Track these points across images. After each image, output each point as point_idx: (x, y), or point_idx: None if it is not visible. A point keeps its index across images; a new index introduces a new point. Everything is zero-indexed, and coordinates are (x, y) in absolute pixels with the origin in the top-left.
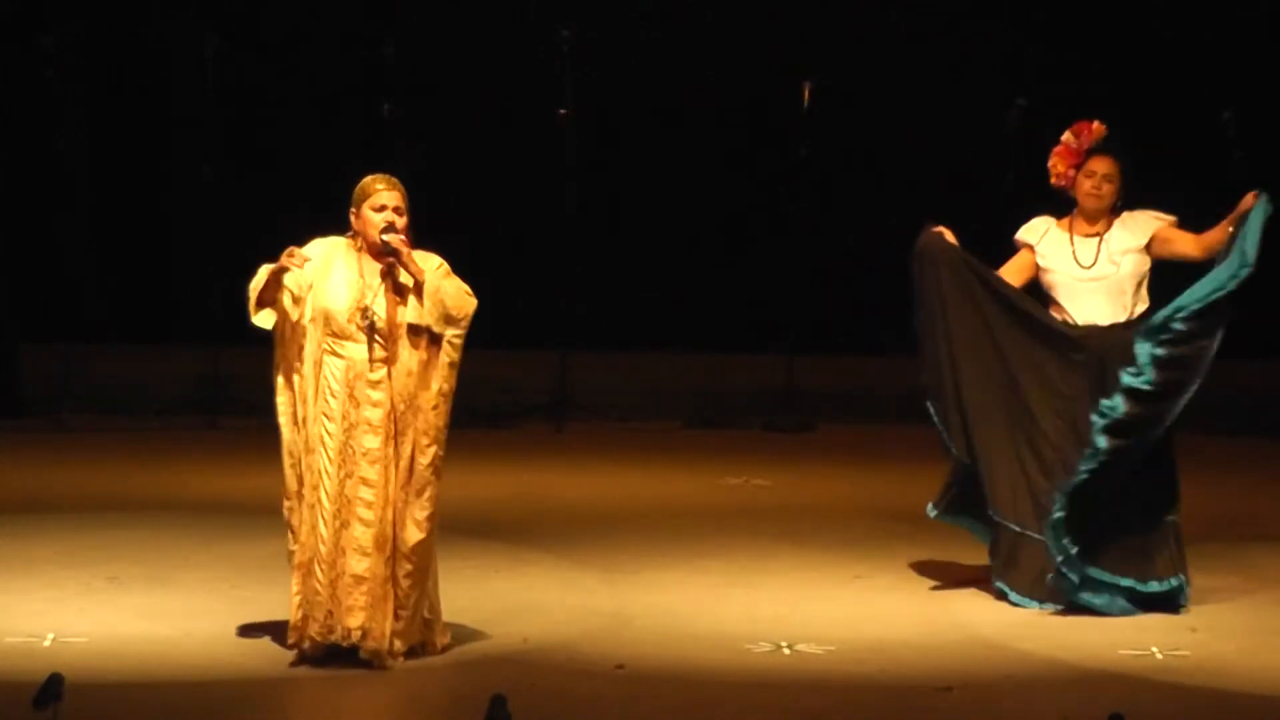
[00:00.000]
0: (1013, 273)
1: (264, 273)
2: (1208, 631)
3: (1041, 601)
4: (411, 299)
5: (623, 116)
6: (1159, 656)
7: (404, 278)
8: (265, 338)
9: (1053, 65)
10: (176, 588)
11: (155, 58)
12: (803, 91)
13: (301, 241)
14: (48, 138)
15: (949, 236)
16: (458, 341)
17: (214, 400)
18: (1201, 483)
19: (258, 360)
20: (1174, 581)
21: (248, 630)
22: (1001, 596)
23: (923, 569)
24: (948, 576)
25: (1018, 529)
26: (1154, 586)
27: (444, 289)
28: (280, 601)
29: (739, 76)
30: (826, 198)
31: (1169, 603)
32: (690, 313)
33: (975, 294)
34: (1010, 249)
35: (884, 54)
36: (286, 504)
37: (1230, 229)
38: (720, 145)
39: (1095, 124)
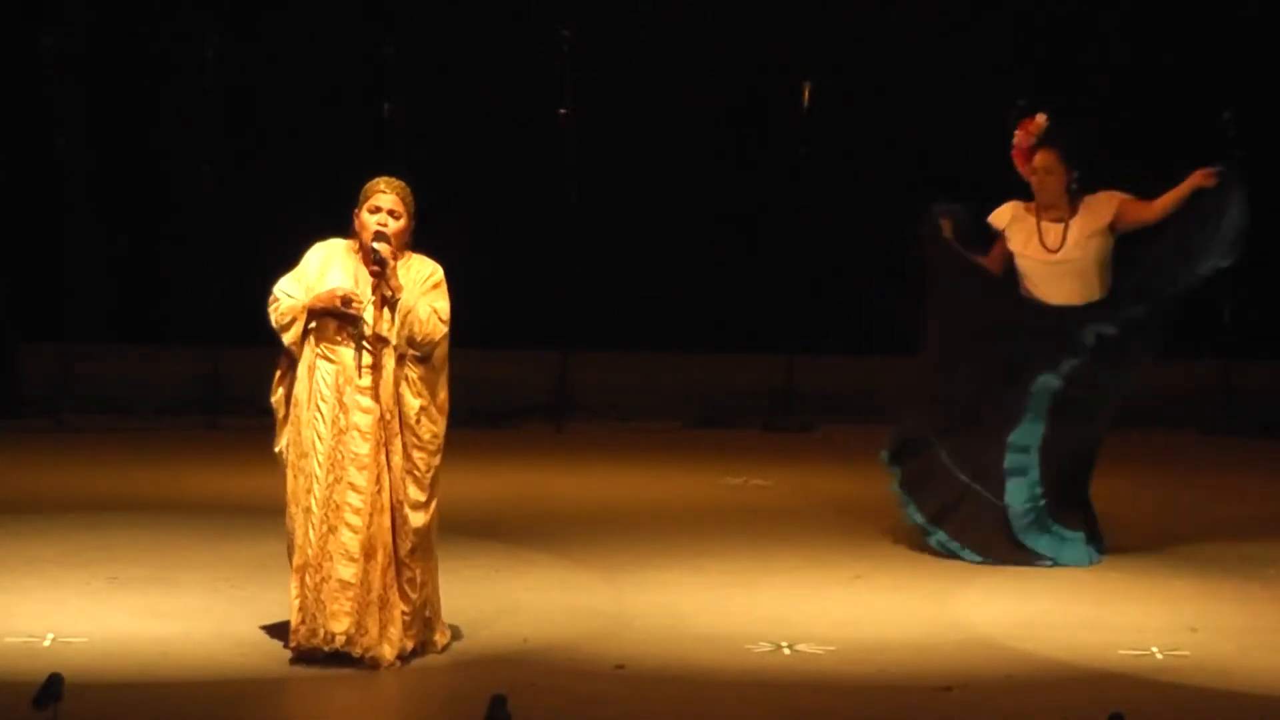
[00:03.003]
0: (995, 259)
1: (310, 302)
2: (1208, 631)
3: (994, 559)
4: (387, 312)
5: (623, 116)
6: (1159, 656)
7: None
8: (265, 338)
9: (1053, 65)
10: (176, 588)
11: (155, 58)
12: (803, 91)
13: (299, 242)
14: (48, 138)
15: (946, 230)
16: (416, 363)
17: (214, 400)
18: (1202, 484)
19: (258, 360)
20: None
21: (248, 630)
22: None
23: (923, 569)
24: (948, 576)
25: (969, 485)
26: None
27: (417, 310)
28: (280, 601)
29: (739, 76)
30: (826, 198)
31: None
32: (690, 313)
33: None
34: None
35: (884, 54)
36: (289, 510)
37: (1184, 195)
38: (720, 145)
39: (1037, 118)
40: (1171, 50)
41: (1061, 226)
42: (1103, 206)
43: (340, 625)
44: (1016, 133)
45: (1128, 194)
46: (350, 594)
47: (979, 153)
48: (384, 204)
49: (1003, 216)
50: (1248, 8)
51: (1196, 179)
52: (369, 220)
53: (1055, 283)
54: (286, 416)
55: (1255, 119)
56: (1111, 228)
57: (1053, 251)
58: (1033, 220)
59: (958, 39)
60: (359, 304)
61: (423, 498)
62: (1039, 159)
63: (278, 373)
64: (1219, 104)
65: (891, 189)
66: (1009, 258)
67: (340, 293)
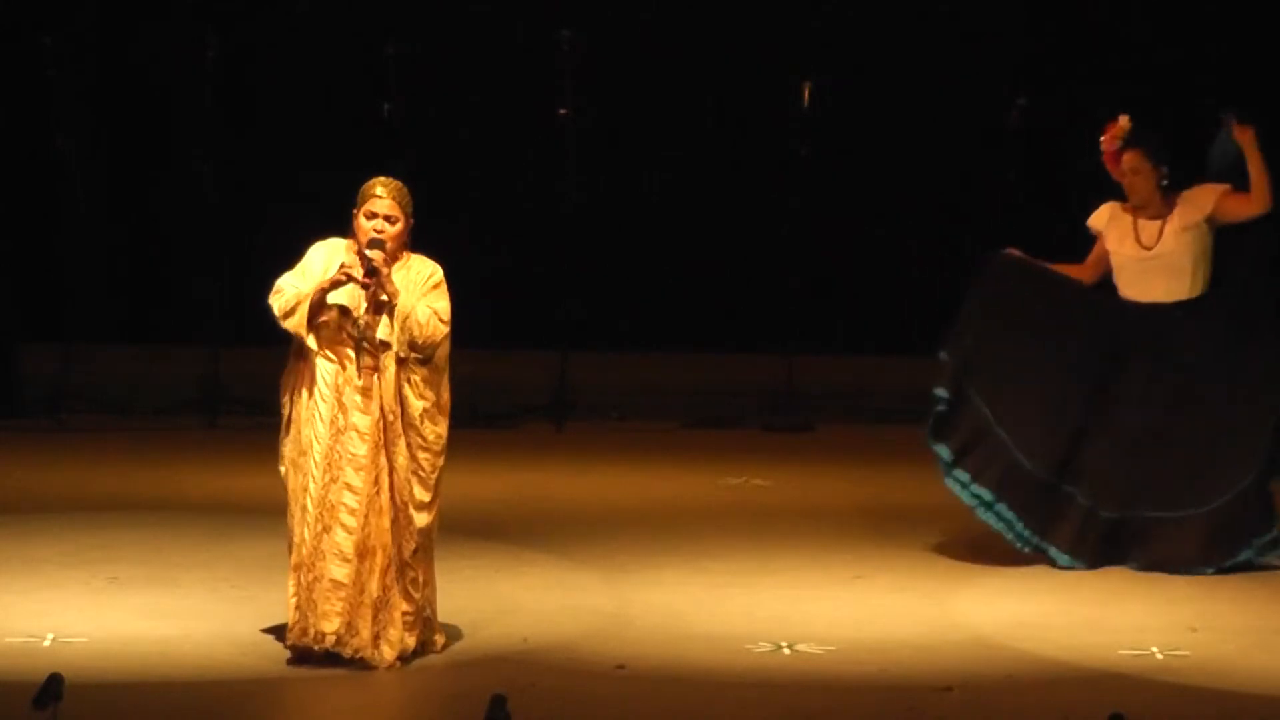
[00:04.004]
0: (1095, 261)
1: (316, 291)
2: (1208, 631)
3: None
4: (386, 316)
5: (623, 116)
6: (1159, 656)
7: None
8: (265, 338)
9: (1053, 65)
10: (176, 588)
11: (155, 58)
12: (803, 91)
13: (299, 243)
14: (48, 138)
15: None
16: (419, 365)
17: (214, 400)
18: None
19: (258, 360)
20: None
21: (248, 631)
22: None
23: (923, 569)
24: (948, 576)
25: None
26: None
27: (415, 314)
28: (280, 601)
29: (739, 76)
30: (826, 198)
31: None
32: (690, 313)
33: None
34: (1010, 244)
35: (884, 54)
36: (290, 508)
37: (1257, 158)
38: (720, 145)
39: (1120, 120)
40: (1171, 50)
41: (1159, 223)
42: (1202, 199)
43: (330, 625)
44: (1102, 139)
45: (1227, 186)
46: (342, 594)
47: (978, 153)
48: (380, 209)
49: (1101, 217)
50: (1248, 7)
51: (1241, 136)
52: (366, 225)
53: (1148, 279)
54: (289, 418)
55: (1255, 119)
56: (1210, 221)
57: (1148, 248)
58: (1129, 219)
59: (958, 39)
60: (371, 261)
61: (427, 498)
62: (1126, 160)
63: (283, 375)
64: (1218, 104)
65: (892, 189)
66: (1107, 260)
67: (347, 265)
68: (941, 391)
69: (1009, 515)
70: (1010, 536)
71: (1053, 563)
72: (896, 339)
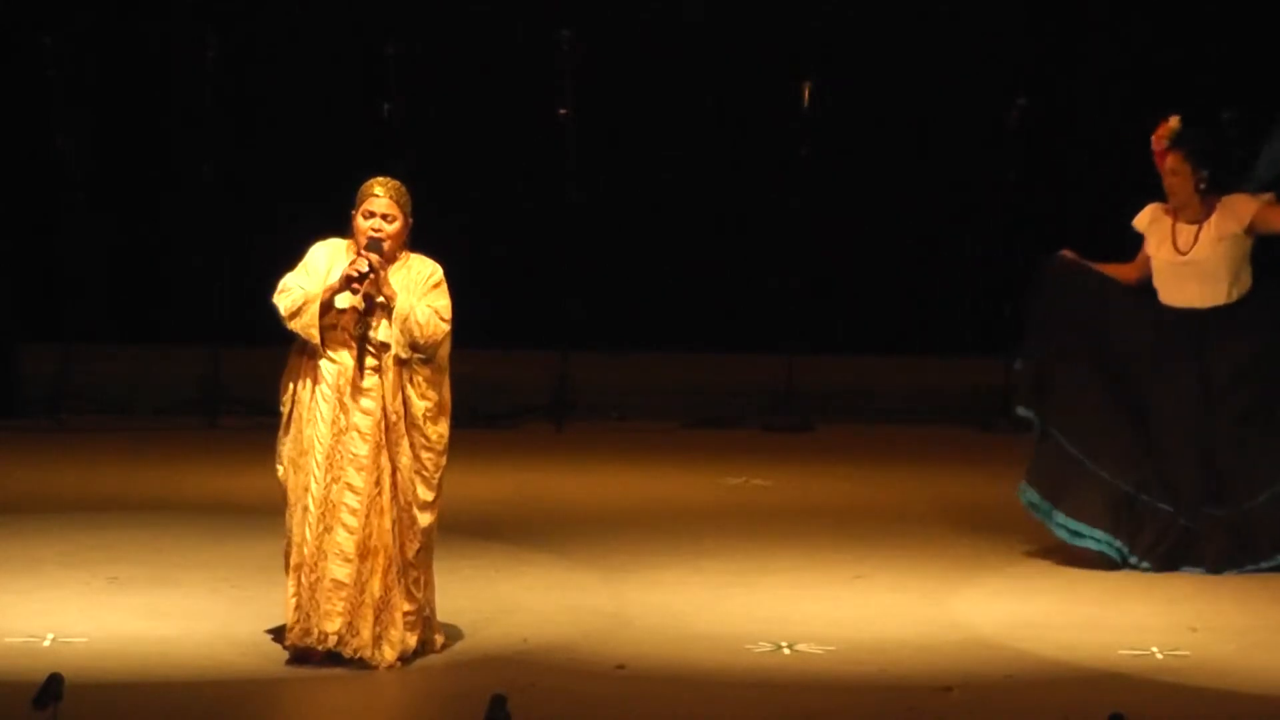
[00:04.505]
0: (1141, 261)
1: (326, 291)
2: (1208, 631)
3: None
4: (385, 318)
5: (623, 116)
6: (1159, 656)
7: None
8: (265, 338)
9: (1053, 65)
10: (176, 588)
11: (155, 58)
12: (803, 91)
13: (299, 243)
14: (48, 138)
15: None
16: (422, 365)
17: (214, 400)
18: None
19: (258, 360)
20: None
21: (248, 631)
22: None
23: (923, 569)
24: (948, 576)
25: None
26: None
27: (415, 314)
28: (281, 601)
29: (739, 76)
30: (826, 198)
31: None
32: (690, 313)
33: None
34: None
35: (884, 54)
36: (290, 508)
37: None
38: (720, 145)
39: (1169, 121)
40: (1171, 50)
41: (1195, 228)
42: (1241, 209)
43: (332, 625)
44: (1153, 138)
45: (1269, 195)
46: (343, 594)
47: (978, 153)
48: (377, 209)
49: (1143, 219)
50: (1248, 7)
51: None
52: (364, 225)
53: (1183, 284)
54: (290, 417)
55: (1255, 119)
56: (1249, 231)
57: (1183, 253)
58: (1169, 222)
59: (958, 39)
60: (367, 261)
61: (430, 498)
62: (1168, 161)
63: (283, 375)
64: (1219, 104)
65: (892, 189)
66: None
67: (357, 266)
68: (1029, 414)
69: (1069, 521)
70: (1066, 537)
71: (1115, 563)
72: (896, 339)
